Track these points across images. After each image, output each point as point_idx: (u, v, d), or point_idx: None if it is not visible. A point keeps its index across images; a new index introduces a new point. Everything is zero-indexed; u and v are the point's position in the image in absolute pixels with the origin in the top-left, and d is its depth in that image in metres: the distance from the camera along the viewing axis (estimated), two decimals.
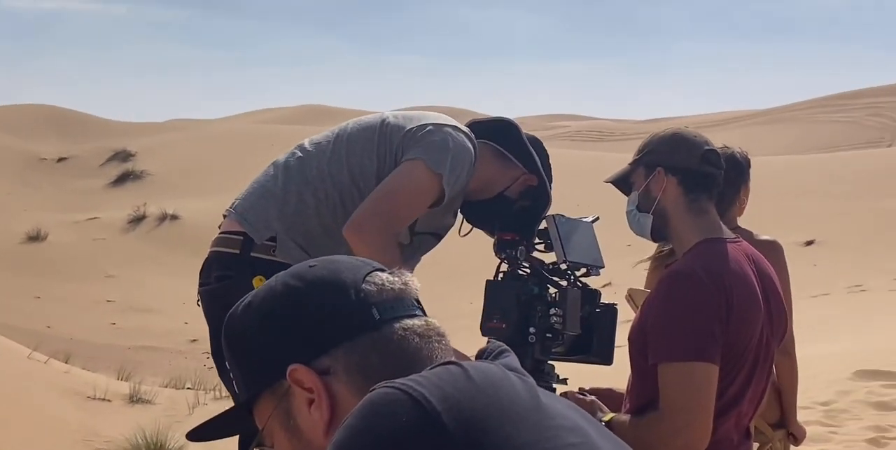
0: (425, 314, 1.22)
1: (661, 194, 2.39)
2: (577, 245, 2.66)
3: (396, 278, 1.21)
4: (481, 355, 1.20)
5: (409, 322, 1.18)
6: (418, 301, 1.23)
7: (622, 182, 2.55)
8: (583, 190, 35.76)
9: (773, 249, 3.42)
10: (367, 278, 1.19)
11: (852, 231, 22.63)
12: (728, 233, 2.43)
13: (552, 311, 2.48)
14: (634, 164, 2.49)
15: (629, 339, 2.34)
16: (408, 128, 2.78)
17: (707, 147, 2.44)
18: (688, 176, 2.39)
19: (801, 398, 6.10)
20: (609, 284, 20.14)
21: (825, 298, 16.20)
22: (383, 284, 1.19)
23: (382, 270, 1.22)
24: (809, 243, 22.33)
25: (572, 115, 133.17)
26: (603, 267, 2.74)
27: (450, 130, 2.76)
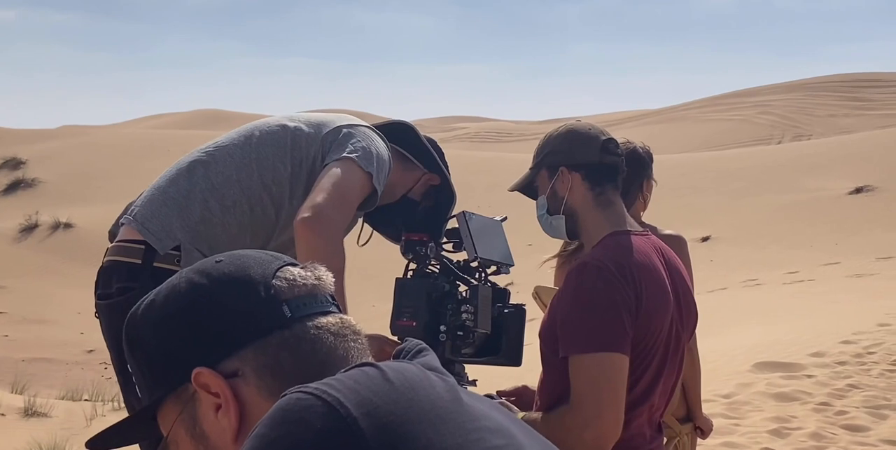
0: (340, 311, 1.15)
1: (568, 193, 2.38)
2: (487, 242, 2.63)
3: (309, 273, 1.14)
4: (399, 354, 1.14)
5: (322, 320, 1.11)
6: (333, 297, 1.16)
7: (527, 188, 2.52)
8: (483, 191, 35.89)
9: (677, 244, 3.44)
10: (278, 274, 1.12)
11: (746, 227, 23.20)
12: (636, 226, 2.43)
13: (463, 308, 2.44)
14: (536, 167, 2.47)
15: (539, 335, 2.31)
16: (325, 131, 2.70)
17: (604, 137, 2.44)
18: (591, 170, 2.38)
19: (704, 391, 6.19)
20: (511, 283, 20.23)
21: (722, 293, 16.57)
22: (295, 280, 1.12)
23: (294, 265, 1.15)
24: (706, 239, 22.83)
25: (471, 116, 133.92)
26: (513, 265, 2.71)
27: (366, 130, 2.71)
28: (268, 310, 1.09)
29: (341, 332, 1.11)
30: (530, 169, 2.50)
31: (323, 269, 1.17)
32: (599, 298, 2.18)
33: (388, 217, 2.85)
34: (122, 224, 2.67)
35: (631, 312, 2.18)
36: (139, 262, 2.56)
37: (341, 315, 1.14)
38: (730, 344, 8.34)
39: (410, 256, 2.60)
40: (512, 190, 2.57)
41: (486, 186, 35.45)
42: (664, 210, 26.61)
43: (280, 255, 1.18)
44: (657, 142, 66.70)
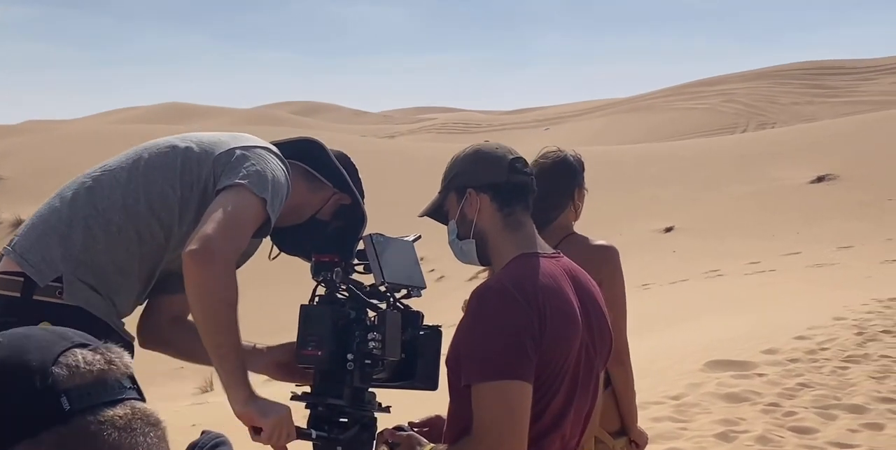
0: (141, 396, 1.03)
1: (477, 215, 2.30)
2: (395, 265, 2.54)
3: (98, 356, 1.01)
4: (193, 447, 1.03)
5: (108, 413, 0.98)
6: (131, 380, 1.03)
7: (437, 213, 2.44)
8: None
9: (607, 255, 3.34)
10: (60, 359, 0.99)
11: (709, 217, 23.24)
12: (545, 247, 2.34)
13: (370, 335, 2.35)
14: (444, 191, 2.38)
15: (446, 362, 2.23)
16: (217, 153, 2.55)
17: (511, 156, 2.35)
18: (499, 191, 2.30)
19: (653, 393, 6.16)
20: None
21: (684, 284, 16.58)
22: (78, 366, 0.99)
23: (83, 346, 1.02)
24: (669, 230, 22.84)
25: (441, 107, 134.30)
26: (424, 287, 2.62)
27: (262, 152, 2.57)
28: (43, 402, 0.96)
29: (130, 425, 0.99)
30: (439, 193, 2.41)
31: (117, 350, 1.04)
32: (500, 324, 2.10)
33: (297, 239, 2.74)
34: (2, 255, 2.54)
35: (534, 337, 2.10)
36: (18, 295, 2.43)
37: (135, 403, 1.01)
38: (684, 340, 8.31)
39: (319, 279, 2.51)
40: (421, 216, 2.48)
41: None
42: (627, 201, 26.67)
43: (70, 334, 1.04)
44: (623, 131, 67.03)
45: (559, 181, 3.37)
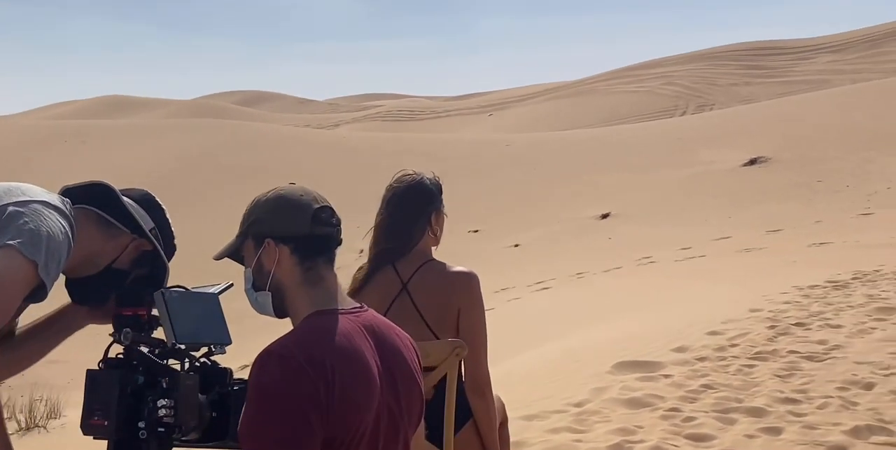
0: None
1: (275, 267, 2.13)
2: (193, 322, 2.34)
3: None
4: None
5: None
6: None
7: (234, 257, 2.26)
8: (391, 172, 35.71)
9: (465, 281, 3.23)
10: None
11: (645, 202, 23.29)
12: (346, 302, 2.17)
13: (161, 402, 2.16)
14: (241, 236, 2.21)
15: (238, 432, 2.05)
16: None
17: (316, 206, 2.17)
18: (300, 243, 2.12)
19: (557, 400, 6.05)
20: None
21: (617, 272, 16.57)
22: None
23: None
24: (605, 216, 22.87)
25: (388, 93, 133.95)
26: (228, 343, 2.43)
27: (38, 206, 2.32)
28: None
29: None
30: (236, 237, 2.23)
31: None
32: (281, 393, 1.93)
33: (94, 291, 2.51)
34: None
35: (320, 407, 1.93)
36: None
37: None
38: (599, 339, 8.22)
39: (118, 337, 2.31)
40: (218, 258, 2.30)
41: (391, 168, 35.15)
42: (566, 189, 26.69)
43: None
44: (565, 116, 67.21)
45: (414, 206, 3.33)
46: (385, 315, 2.50)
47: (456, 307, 3.20)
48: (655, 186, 25.12)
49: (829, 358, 6.65)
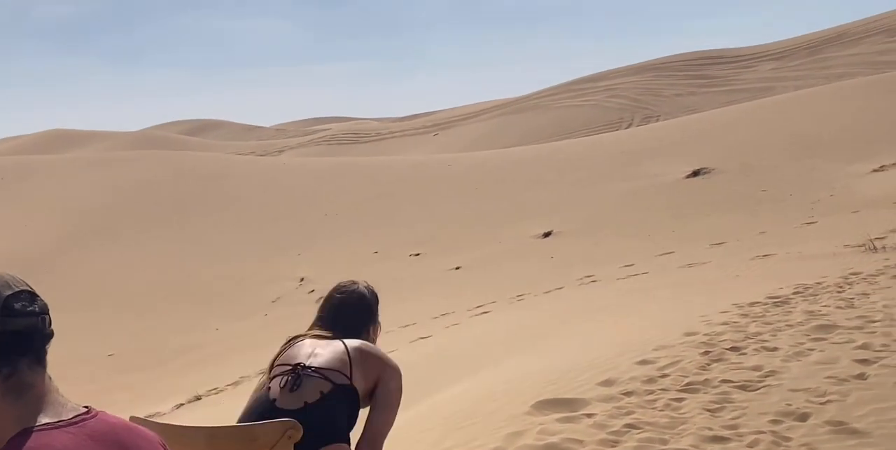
0: None
1: None
2: None
3: None
4: None
5: None
6: None
7: None
8: (332, 197, 34.83)
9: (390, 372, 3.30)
10: None
11: (587, 219, 22.93)
12: (67, 410, 1.65)
13: None
14: None
15: None
16: None
17: (7, 292, 1.65)
18: None
19: (470, 448, 5.55)
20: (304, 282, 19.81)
21: (558, 293, 16.13)
22: None
23: None
24: (547, 235, 22.46)
25: (336, 117, 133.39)
26: None
27: None
28: None
29: None
30: None
31: None
32: None
33: None
34: None
35: None
36: None
37: None
38: (524, 372, 7.72)
39: None
40: None
41: (336, 192, 34.70)
42: (508, 207, 26.29)
43: None
44: (512, 133, 67.08)
45: (355, 316, 3.48)
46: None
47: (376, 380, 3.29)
48: (599, 202, 24.77)
49: (764, 386, 6.19)
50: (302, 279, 24.66)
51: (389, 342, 16.06)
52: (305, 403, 3.06)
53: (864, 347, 7.24)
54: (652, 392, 6.21)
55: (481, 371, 9.12)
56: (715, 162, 25.60)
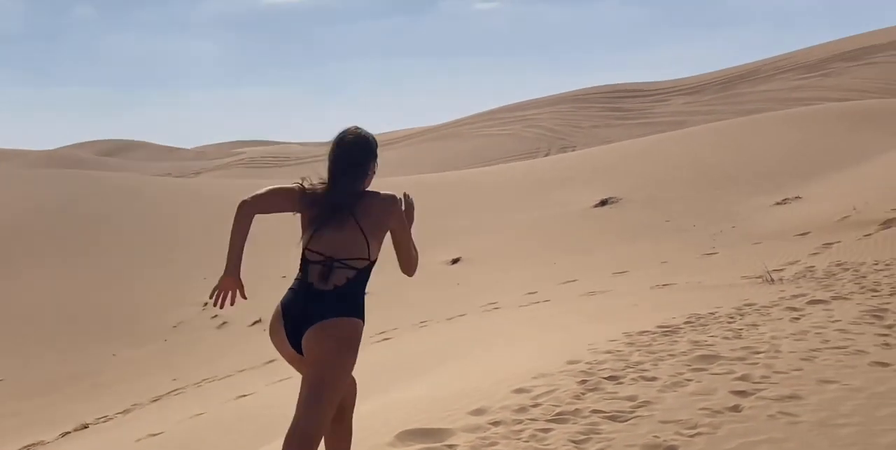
0: None
1: None
2: None
3: None
4: None
5: None
6: None
7: None
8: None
9: (395, 215, 4.48)
10: None
11: (496, 246, 22.84)
12: None
13: None
14: None
15: None
16: None
17: None
18: None
19: None
20: (259, 320, 18.98)
21: (460, 320, 15.96)
22: None
23: None
24: (455, 261, 22.32)
25: (259, 140, 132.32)
26: None
27: None
28: None
29: None
30: None
31: None
32: None
33: None
34: None
35: None
36: None
37: None
38: (399, 400, 7.49)
39: None
40: None
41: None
42: (418, 233, 26.10)
43: None
44: (428, 159, 67.12)
45: (362, 154, 4.61)
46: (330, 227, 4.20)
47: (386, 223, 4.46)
48: (508, 229, 24.73)
49: (635, 417, 6.05)
50: (205, 304, 24.12)
51: (284, 370, 15.70)
52: (335, 286, 4.24)
53: (744, 378, 7.16)
54: (520, 422, 6.02)
55: (369, 399, 8.87)
56: (623, 192, 25.77)
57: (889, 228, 16.43)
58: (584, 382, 7.09)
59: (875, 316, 9.91)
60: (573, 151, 56.61)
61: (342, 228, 4.25)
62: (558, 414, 6.18)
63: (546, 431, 5.80)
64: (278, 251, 28.65)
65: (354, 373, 4.41)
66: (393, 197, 4.42)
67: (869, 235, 16.19)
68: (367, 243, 4.29)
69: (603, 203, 25.03)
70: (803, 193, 22.32)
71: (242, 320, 21.44)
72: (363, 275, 4.33)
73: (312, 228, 4.29)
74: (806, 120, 32.84)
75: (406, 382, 9.26)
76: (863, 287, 11.74)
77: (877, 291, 11.46)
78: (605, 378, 7.20)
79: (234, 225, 4.31)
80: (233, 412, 11.47)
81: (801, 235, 17.90)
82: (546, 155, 59.79)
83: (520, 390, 6.94)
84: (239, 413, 11.11)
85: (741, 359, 7.87)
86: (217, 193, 37.34)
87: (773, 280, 13.25)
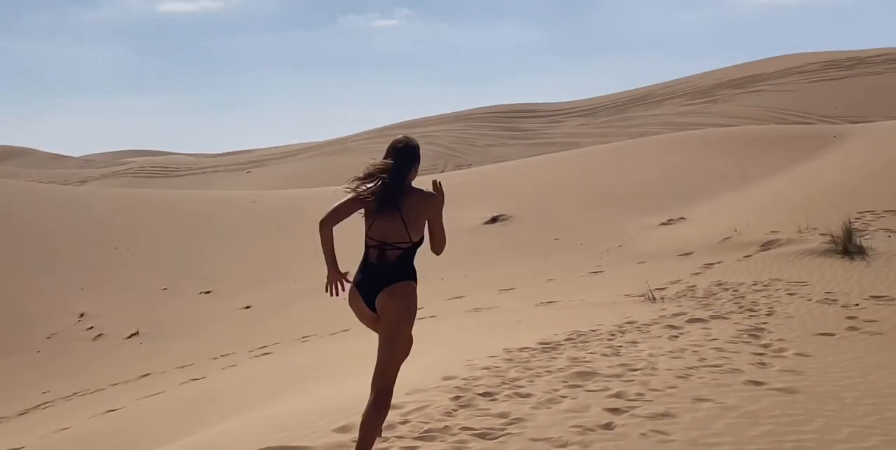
0: None
1: None
2: None
3: None
4: None
5: None
6: None
7: None
8: (126, 229, 33.32)
9: (432, 206, 5.55)
10: None
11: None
12: None
13: None
14: None
15: None
16: None
17: None
18: None
19: None
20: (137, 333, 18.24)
21: (343, 335, 15.67)
22: None
23: None
24: (344, 275, 21.95)
25: (150, 150, 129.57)
26: None
27: None
28: None
29: None
30: None
31: None
32: None
33: None
34: None
35: None
36: None
37: None
38: (269, 413, 7.20)
39: None
40: None
41: (125, 226, 33.30)
42: (308, 248, 25.66)
43: None
44: (325, 174, 66.46)
45: (409, 159, 5.79)
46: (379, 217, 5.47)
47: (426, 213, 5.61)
48: None
49: (504, 435, 5.88)
50: (82, 315, 23.28)
51: (158, 385, 15.18)
52: (390, 262, 5.48)
53: (619, 395, 7.07)
54: (386, 440, 5.79)
55: (237, 414, 8.55)
56: (514, 210, 25.82)
57: (768, 249, 16.71)
58: (457, 398, 6.91)
59: (752, 335, 9.99)
60: (468, 168, 56.75)
61: (390, 219, 5.45)
62: (427, 431, 5.98)
63: (412, 449, 5.59)
64: (159, 262, 27.93)
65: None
66: (432, 194, 5.58)
67: (749, 256, 16.43)
68: (408, 230, 5.45)
69: (494, 220, 25.02)
70: (688, 215, 22.65)
71: (119, 333, 20.74)
72: (410, 251, 5.55)
73: (369, 220, 5.52)
74: (693, 143, 33.47)
75: (278, 397, 8.97)
76: (741, 307, 11.85)
77: (754, 310, 11.58)
78: (479, 394, 7.03)
79: (321, 239, 5.51)
80: (98, 427, 10.99)
81: (685, 255, 18.09)
82: (441, 172, 59.83)
83: (392, 407, 6.71)
84: (103, 428, 10.64)
85: (618, 376, 7.80)
86: (99, 203, 36.31)
87: (655, 299, 13.30)
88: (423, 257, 20.67)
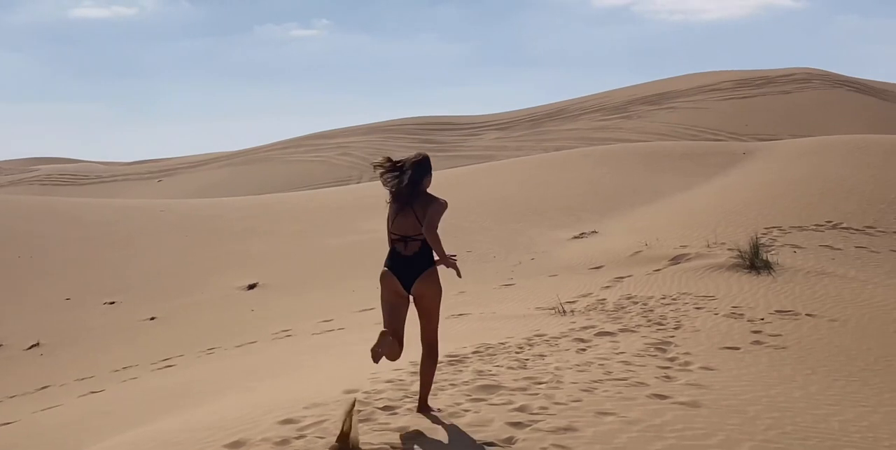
0: None
1: None
2: None
3: None
4: None
5: None
6: None
7: None
8: (29, 238, 32.40)
9: (434, 205, 6.79)
10: None
11: (296, 272, 22.25)
12: None
13: None
14: None
15: None
16: None
17: None
18: None
19: None
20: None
21: (250, 347, 15.34)
22: None
23: None
24: (252, 287, 21.60)
25: (60, 158, 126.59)
26: None
27: None
28: None
29: None
30: None
31: None
32: None
33: None
34: None
35: None
36: None
37: None
38: (161, 428, 6.93)
39: None
40: None
41: (27, 234, 32.38)
42: (216, 256, 25.25)
43: None
44: (239, 184, 65.68)
45: (421, 171, 7.02)
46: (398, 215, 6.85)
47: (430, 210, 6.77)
48: (310, 255, 24.22)
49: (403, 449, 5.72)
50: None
51: (57, 397, 14.69)
52: (413, 252, 6.73)
53: (522, 409, 6.97)
54: None
55: (130, 430, 8.24)
56: None
57: (677, 263, 16.85)
58: (357, 412, 6.72)
59: (659, 349, 9.99)
60: None
61: (407, 216, 6.72)
62: (322, 446, 5.78)
63: None
64: (63, 271, 27.20)
65: None
66: (438, 199, 6.82)
67: (658, 270, 16.54)
68: (421, 226, 6.64)
69: None
70: (600, 228, 22.77)
71: (18, 344, 20.06)
72: (426, 243, 6.71)
73: (391, 218, 6.80)
74: (606, 158, 33.78)
75: (174, 413, 8.67)
76: (649, 320, 11.88)
77: (662, 324, 11.61)
78: (379, 408, 6.86)
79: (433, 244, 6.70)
80: None
81: (596, 268, 18.14)
82: (358, 183, 59.55)
83: (287, 421, 6.51)
84: None
85: (522, 389, 7.70)
86: (2, 210, 35.26)
87: (565, 312, 13.28)
88: (340, 267, 20.37)
